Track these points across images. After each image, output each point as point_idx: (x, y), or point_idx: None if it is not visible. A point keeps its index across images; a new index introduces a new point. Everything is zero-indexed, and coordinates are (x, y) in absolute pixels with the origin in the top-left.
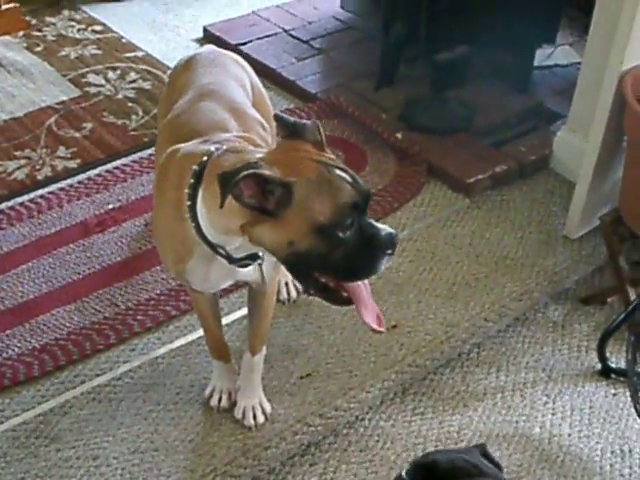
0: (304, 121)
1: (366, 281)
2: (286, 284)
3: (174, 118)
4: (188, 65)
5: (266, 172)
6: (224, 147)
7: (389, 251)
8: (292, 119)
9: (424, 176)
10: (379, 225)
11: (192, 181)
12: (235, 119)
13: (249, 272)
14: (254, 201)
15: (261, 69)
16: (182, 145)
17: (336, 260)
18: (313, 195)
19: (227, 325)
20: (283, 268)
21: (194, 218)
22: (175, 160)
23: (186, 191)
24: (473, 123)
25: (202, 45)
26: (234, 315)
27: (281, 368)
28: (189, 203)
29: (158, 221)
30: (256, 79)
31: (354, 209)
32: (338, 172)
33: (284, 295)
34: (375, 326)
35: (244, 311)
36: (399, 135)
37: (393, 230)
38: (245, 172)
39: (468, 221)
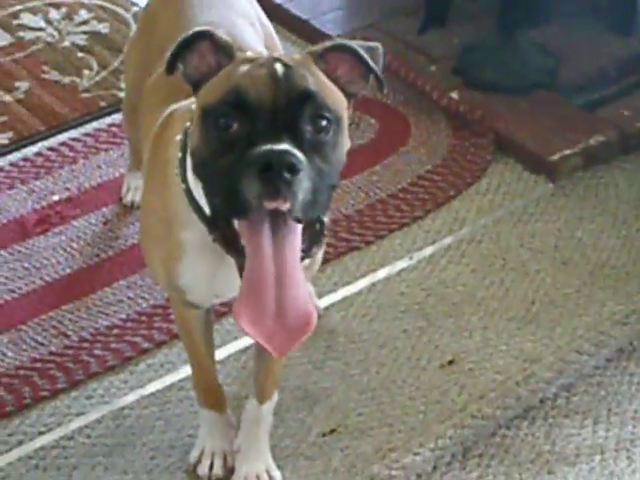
0: None
1: (290, 255)
2: None
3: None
4: None
5: (224, 37)
6: None
7: (264, 174)
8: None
9: (490, 152)
10: (276, 142)
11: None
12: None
13: None
14: (196, 74)
15: (262, 3)
16: (185, 103)
17: (211, 171)
18: (228, 70)
19: (220, 362)
20: None
21: (184, 179)
22: (175, 123)
23: (178, 137)
24: (557, 77)
25: None
26: (229, 348)
27: (295, 422)
28: (180, 155)
29: (148, 208)
30: (261, 12)
31: (244, 109)
32: (277, 64)
33: None
34: (247, 328)
35: (242, 342)
36: (454, 95)
37: (283, 147)
38: (207, 30)
39: (552, 214)
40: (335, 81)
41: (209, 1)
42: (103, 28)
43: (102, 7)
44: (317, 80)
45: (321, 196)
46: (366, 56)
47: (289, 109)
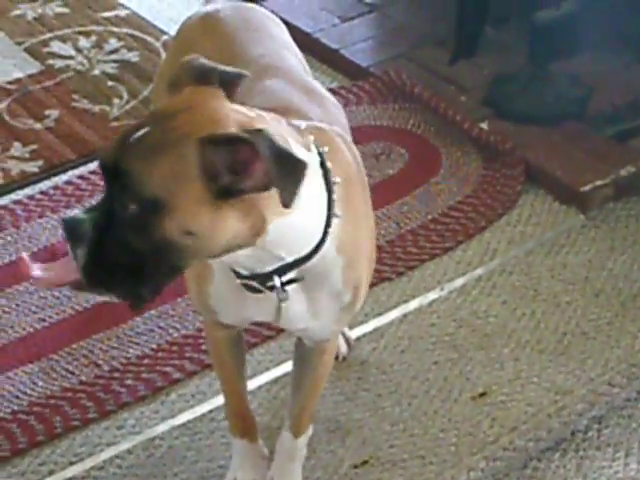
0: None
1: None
2: None
3: None
4: (210, 26)
5: None
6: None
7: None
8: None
9: (521, 182)
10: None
11: None
12: (313, 102)
13: (300, 314)
14: None
15: (291, 33)
16: None
17: None
18: None
19: (251, 393)
20: None
21: None
22: None
23: None
24: (588, 108)
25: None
26: (260, 379)
27: (327, 453)
28: None
29: None
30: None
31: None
32: (136, 134)
33: None
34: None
35: (273, 373)
36: (485, 125)
37: (74, 217)
38: None
39: (583, 246)
40: (232, 169)
41: (251, 34)
42: (133, 57)
43: (132, 36)
44: (156, 161)
45: (115, 268)
46: (274, 161)
47: (110, 181)
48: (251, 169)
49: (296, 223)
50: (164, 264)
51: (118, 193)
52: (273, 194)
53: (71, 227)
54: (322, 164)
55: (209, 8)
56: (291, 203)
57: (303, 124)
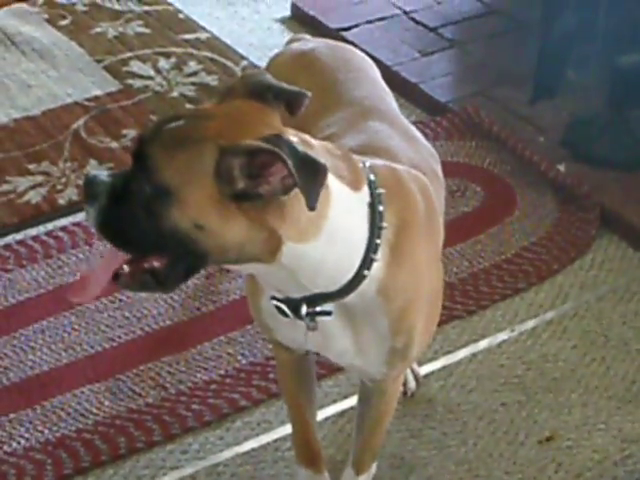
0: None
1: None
2: None
3: (329, 138)
4: (306, 65)
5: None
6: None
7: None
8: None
9: (596, 227)
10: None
11: None
12: (410, 148)
13: (344, 348)
14: None
15: None
16: None
17: None
18: None
19: (318, 424)
20: None
21: None
22: None
23: None
24: None
25: (288, 27)
26: (327, 411)
27: None
28: None
29: None
30: None
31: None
32: (169, 125)
33: None
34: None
35: (340, 406)
36: (562, 167)
37: (97, 175)
38: None
39: None
40: (248, 175)
41: (357, 76)
42: (212, 80)
43: (212, 59)
44: (176, 154)
45: (128, 232)
46: (295, 171)
47: (135, 158)
48: (268, 175)
49: (317, 254)
50: (178, 251)
51: (137, 173)
52: (289, 214)
53: (89, 183)
54: (372, 205)
55: (303, 46)
56: (315, 205)
57: (368, 162)
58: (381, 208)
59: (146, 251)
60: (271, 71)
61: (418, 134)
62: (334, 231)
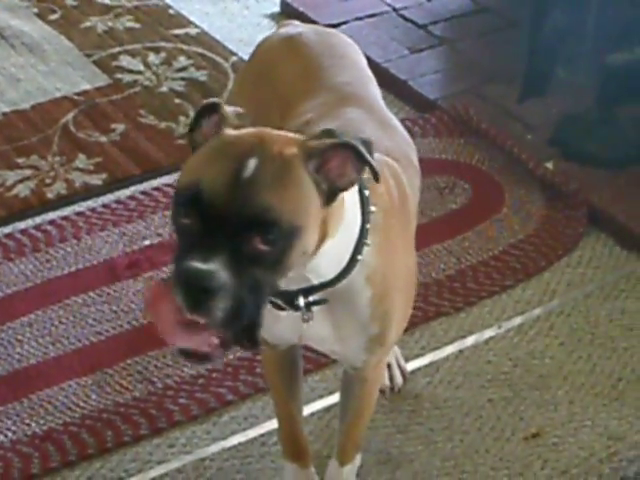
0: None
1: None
2: (388, 366)
3: (306, 124)
4: (293, 50)
5: (227, 109)
6: None
7: (182, 290)
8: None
9: (583, 225)
10: (204, 259)
11: None
12: (385, 136)
13: (323, 336)
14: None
15: None
16: None
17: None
18: (205, 151)
19: (304, 419)
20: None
21: None
22: None
23: None
24: None
25: (278, 22)
26: (313, 406)
27: None
28: None
29: None
30: None
31: (196, 205)
32: (250, 162)
33: (385, 382)
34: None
35: (326, 401)
36: (550, 165)
37: (205, 268)
38: (218, 101)
39: None
40: (325, 174)
41: (342, 62)
42: (201, 76)
43: (202, 55)
44: (285, 189)
45: (248, 309)
46: (366, 154)
47: (239, 221)
48: (343, 166)
49: (333, 246)
50: (276, 288)
51: (249, 230)
52: (338, 209)
53: (203, 279)
54: (360, 190)
55: (291, 31)
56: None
57: None
58: (367, 193)
59: (248, 313)
60: (258, 57)
61: (395, 122)
62: (346, 222)
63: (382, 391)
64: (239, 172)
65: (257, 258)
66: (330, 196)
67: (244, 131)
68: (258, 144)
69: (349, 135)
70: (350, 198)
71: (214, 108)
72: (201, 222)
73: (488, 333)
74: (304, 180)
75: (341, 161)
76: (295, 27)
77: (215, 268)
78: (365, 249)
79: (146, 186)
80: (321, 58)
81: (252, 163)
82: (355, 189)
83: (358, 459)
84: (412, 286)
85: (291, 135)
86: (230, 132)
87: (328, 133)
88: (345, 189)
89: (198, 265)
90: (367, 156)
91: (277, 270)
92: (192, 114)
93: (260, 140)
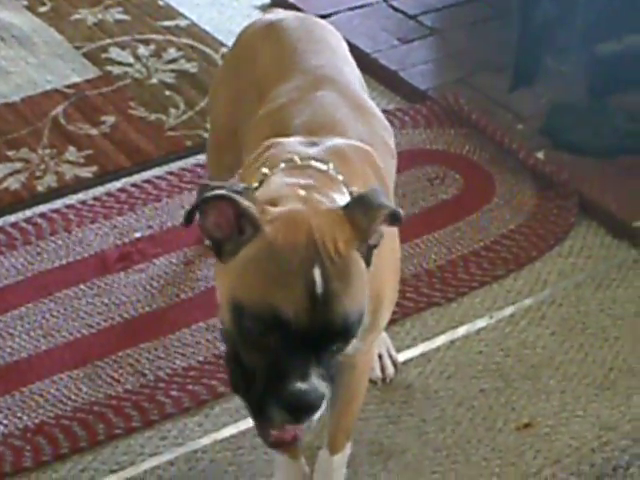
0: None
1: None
2: (379, 357)
3: (279, 109)
4: (272, 35)
5: (245, 203)
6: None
7: (286, 412)
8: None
9: (574, 214)
10: (304, 377)
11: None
12: (359, 120)
13: None
14: (218, 232)
15: (350, 52)
16: (283, 139)
17: (240, 365)
18: (261, 264)
19: None
20: (382, 335)
21: None
22: (262, 155)
23: (264, 170)
24: None
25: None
26: None
27: (369, 476)
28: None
29: None
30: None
31: (278, 327)
32: (316, 274)
33: (376, 373)
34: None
35: None
36: (541, 155)
37: (311, 388)
38: (227, 193)
39: (634, 280)
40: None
41: (318, 47)
42: (191, 67)
43: (191, 46)
44: (352, 287)
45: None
46: (400, 214)
47: (323, 334)
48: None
49: None
50: None
51: (333, 341)
52: None
53: (314, 399)
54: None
55: (273, 17)
56: None
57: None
58: (354, 189)
59: None
60: (241, 42)
61: (371, 105)
62: None
63: (374, 382)
64: (311, 290)
65: (336, 354)
66: (369, 257)
67: (285, 224)
68: (313, 249)
69: (379, 195)
70: (343, 198)
71: (226, 199)
72: (284, 342)
73: (479, 323)
74: (361, 265)
75: (378, 227)
76: (278, 14)
77: (318, 385)
78: None
79: (137, 178)
80: (297, 43)
81: (318, 276)
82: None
83: (348, 448)
84: (397, 270)
85: (333, 212)
86: (272, 234)
87: (363, 199)
88: (377, 246)
89: (303, 387)
90: (400, 215)
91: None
92: (182, 106)
93: (312, 242)
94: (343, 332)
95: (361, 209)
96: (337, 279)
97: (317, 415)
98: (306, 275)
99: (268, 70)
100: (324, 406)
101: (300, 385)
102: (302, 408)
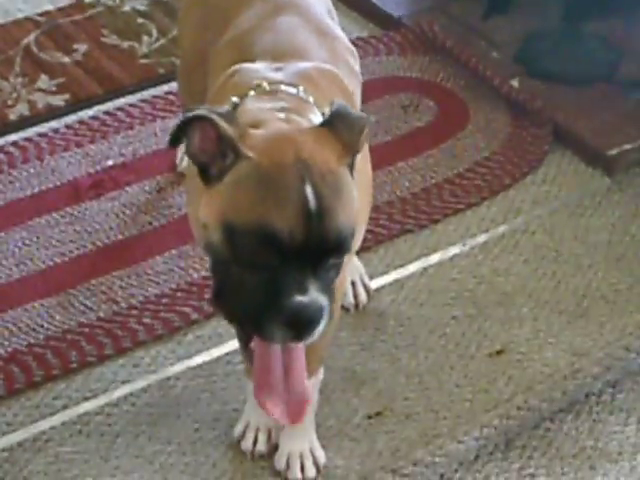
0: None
1: (297, 351)
2: (352, 284)
3: (240, 36)
4: None
5: (224, 126)
6: (283, 86)
7: (288, 327)
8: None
9: (548, 142)
10: (303, 291)
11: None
12: (322, 44)
13: None
14: (203, 155)
15: None
16: (248, 65)
17: (231, 282)
18: (250, 186)
19: None
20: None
21: None
22: (228, 83)
23: (234, 99)
24: (619, 70)
25: None
26: None
27: (341, 402)
28: None
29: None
30: None
31: (273, 245)
32: (308, 190)
33: (349, 299)
34: (279, 417)
35: None
36: (515, 83)
37: (311, 301)
38: (207, 114)
39: (607, 209)
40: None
41: None
42: None
43: None
44: (343, 202)
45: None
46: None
47: (319, 249)
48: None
49: None
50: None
51: (329, 255)
52: None
53: (315, 312)
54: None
55: None
56: None
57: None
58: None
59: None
60: None
61: (335, 29)
62: None
63: (346, 309)
64: (305, 207)
65: (332, 269)
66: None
67: (271, 145)
68: (302, 166)
69: (349, 108)
70: (318, 120)
71: (206, 120)
72: (280, 260)
73: (453, 250)
74: (350, 180)
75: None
76: None
77: (319, 298)
78: None
79: (109, 106)
80: None
81: (310, 192)
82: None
83: (321, 373)
84: (370, 190)
85: (317, 130)
86: (258, 156)
87: (341, 114)
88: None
89: (304, 299)
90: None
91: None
92: (155, 34)
93: (300, 160)
94: (338, 246)
95: (344, 123)
96: (329, 195)
97: (319, 329)
98: (298, 192)
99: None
100: (325, 320)
101: (300, 298)
102: (304, 322)
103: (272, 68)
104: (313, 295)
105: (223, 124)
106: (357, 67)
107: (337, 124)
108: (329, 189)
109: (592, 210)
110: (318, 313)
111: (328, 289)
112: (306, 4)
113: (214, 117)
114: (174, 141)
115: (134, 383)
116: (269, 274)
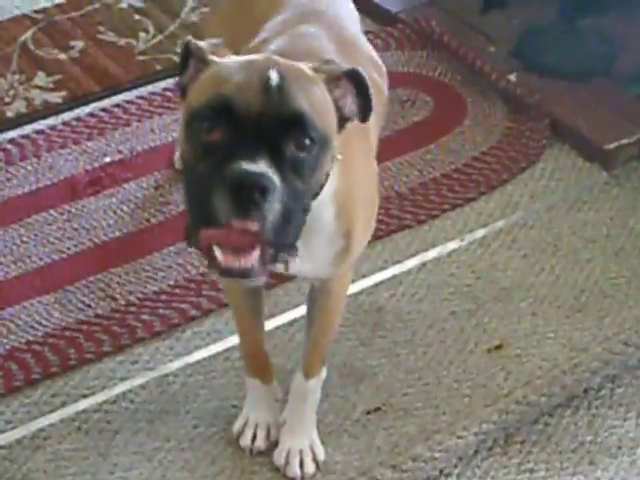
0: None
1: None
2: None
3: (261, 43)
4: None
5: (200, 43)
6: None
7: (235, 193)
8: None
9: (546, 137)
10: (251, 160)
11: None
12: (341, 53)
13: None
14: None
15: None
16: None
17: (190, 176)
18: (215, 76)
19: (267, 333)
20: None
21: None
22: None
23: None
24: (616, 65)
25: None
26: (276, 320)
27: (340, 398)
28: None
29: None
30: None
31: (226, 111)
32: (272, 72)
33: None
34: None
35: (290, 315)
36: (512, 77)
37: (258, 168)
38: (193, 41)
39: (605, 203)
40: (336, 102)
41: None
42: None
43: None
44: (312, 98)
45: (293, 219)
46: (370, 88)
47: (275, 125)
48: (345, 99)
49: None
50: (308, 210)
51: (285, 135)
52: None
53: (258, 178)
54: None
55: None
56: None
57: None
58: None
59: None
60: None
61: (363, 42)
62: None
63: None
64: (266, 81)
65: (295, 165)
66: (340, 123)
67: (242, 57)
68: (274, 61)
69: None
70: None
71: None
72: (234, 133)
73: (451, 246)
74: (327, 96)
75: (343, 91)
76: None
77: (269, 172)
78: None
79: (106, 103)
80: None
81: (275, 74)
82: None
83: (324, 372)
84: (374, 201)
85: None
86: (227, 60)
87: (329, 62)
88: (350, 119)
89: (250, 167)
90: (370, 90)
91: (312, 183)
92: (152, 30)
93: (273, 60)
94: (297, 128)
95: (325, 64)
96: (297, 85)
97: (267, 207)
98: (262, 72)
99: (263, 7)
100: (275, 201)
101: (246, 165)
102: (246, 187)
103: None
104: (262, 167)
105: (198, 42)
106: (384, 86)
107: (321, 64)
108: (297, 80)
109: (590, 204)
110: (265, 183)
111: (287, 181)
112: (330, 13)
113: (197, 42)
114: (181, 69)
115: (133, 380)
116: (222, 153)
